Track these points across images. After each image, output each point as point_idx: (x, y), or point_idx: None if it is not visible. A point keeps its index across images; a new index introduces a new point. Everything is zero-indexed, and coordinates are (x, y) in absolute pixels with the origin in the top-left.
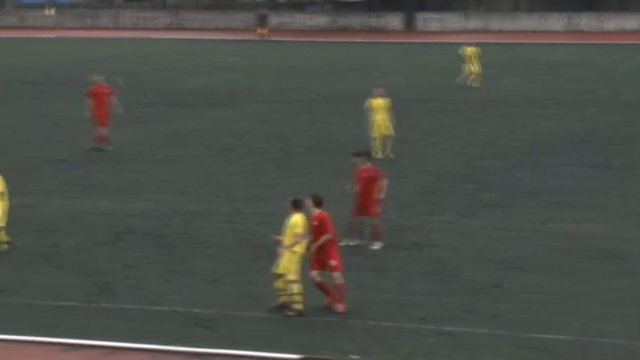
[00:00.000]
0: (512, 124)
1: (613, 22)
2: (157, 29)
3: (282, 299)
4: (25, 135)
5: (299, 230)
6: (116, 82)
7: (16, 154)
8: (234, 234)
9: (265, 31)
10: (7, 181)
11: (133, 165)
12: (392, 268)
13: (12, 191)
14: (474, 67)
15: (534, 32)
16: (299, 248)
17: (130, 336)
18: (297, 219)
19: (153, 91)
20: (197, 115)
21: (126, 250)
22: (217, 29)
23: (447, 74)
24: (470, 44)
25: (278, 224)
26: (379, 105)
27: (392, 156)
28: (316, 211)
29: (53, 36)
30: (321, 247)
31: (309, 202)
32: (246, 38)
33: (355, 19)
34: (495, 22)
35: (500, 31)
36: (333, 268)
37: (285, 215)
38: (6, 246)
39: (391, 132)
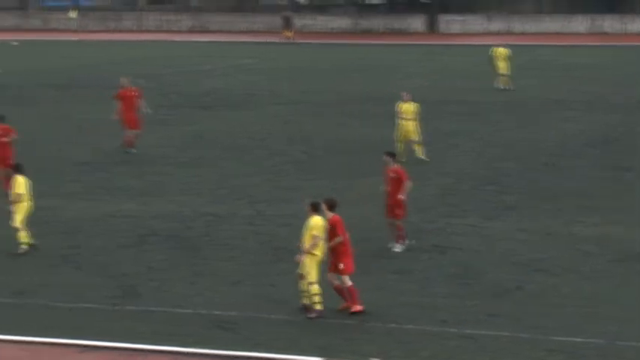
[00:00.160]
0: (534, 127)
1: (637, 24)
2: (180, 32)
3: (305, 301)
4: (49, 137)
5: (316, 232)
6: (139, 84)
7: (40, 156)
8: (255, 236)
9: (291, 33)
10: (31, 183)
11: (157, 167)
12: (414, 270)
13: (35, 193)
14: (504, 69)
15: (557, 34)
16: (318, 250)
17: (154, 338)
18: (315, 221)
19: (176, 94)
20: (219, 117)
21: (149, 253)
22: (240, 32)
23: (468, 76)
24: (500, 45)
25: (299, 226)
26: (408, 109)
27: (424, 158)
28: (329, 215)
29: (76, 39)
30: (333, 250)
31: (323, 206)
32: (271, 40)
33: (378, 21)
34: (518, 24)
35: (523, 33)
36: (341, 271)
37: (306, 217)
38: (25, 247)
39: (417, 137)
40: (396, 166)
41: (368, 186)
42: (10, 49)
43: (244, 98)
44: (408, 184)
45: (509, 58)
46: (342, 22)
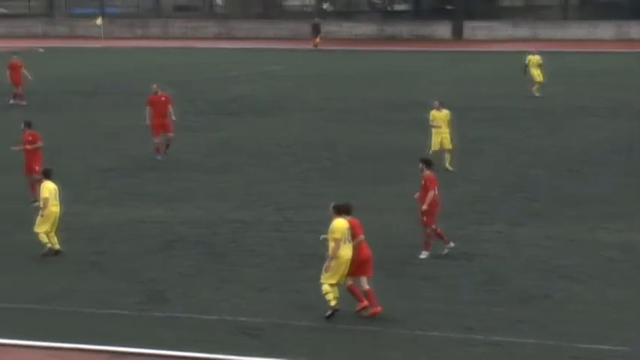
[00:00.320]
0: (561, 133)
1: None
2: (205, 38)
3: (333, 302)
4: (74, 144)
5: (338, 235)
6: (167, 90)
7: (66, 163)
8: (282, 242)
9: (317, 40)
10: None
11: (184, 173)
12: (440, 277)
13: (62, 200)
14: (537, 76)
15: (583, 41)
16: (342, 253)
17: (180, 344)
18: (336, 224)
19: (202, 100)
20: (246, 124)
21: (176, 259)
22: (266, 38)
23: (494, 83)
24: (532, 52)
25: (325, 233)
26: (440, 117)
27: (451, 168)
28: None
29: (102, 46)
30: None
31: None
32: (297, 47)
33: (402, 28)
34: (544, 31)
35: (549, 40)
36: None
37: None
38: (49, 246)
39: (450, 145)
40: (427, 174)
41: (393, 193)
42: (37, 56)
43: (271, 105)
44: (430, 194)
45: (540, 65)
46: (367, 29)
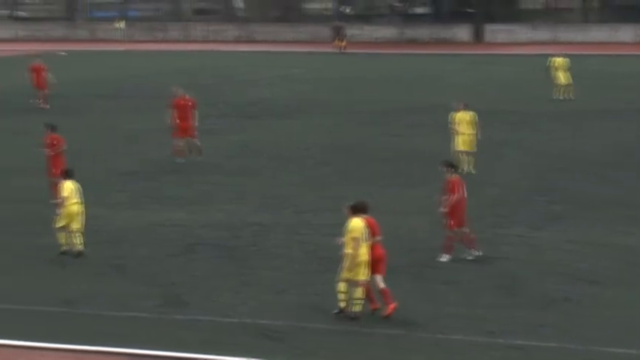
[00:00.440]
0: (582, 136)
1: None
2: (226, 42)
3: (342, 304)
4: (95, 147)
5: (357, 234)
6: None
7: (87, 166)
8: (301, 245)
9: (343, 43)
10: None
11: (204, 176)
12: (462, 280)
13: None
14: (564, 79)
15: (604, 44)
16: (361, 252)
17: (201, 347)
18: (354, 223)
19: (223, 103)
20: (265, 127)
21: (196, 262)
22: (286, 41)
23: (515, 86)
24: (558, 55)
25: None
26: (463, 119)
27: (473, 172)
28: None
29: (123, 49)
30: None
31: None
32: (316, 50)
33: (423, 31)
34: (564, 34)
35: (569, 43)
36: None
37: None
38: (66, 248)
39: (472, 148)
40: (451, 177)
41: (413, 195)
42: (59, 60)
43: (290, 108)
44: (451, 198)
45: (568, 68)
46: (387, 32)
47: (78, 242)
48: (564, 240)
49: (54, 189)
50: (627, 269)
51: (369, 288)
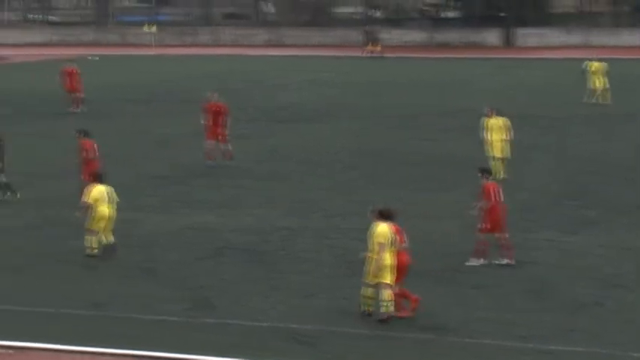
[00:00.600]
0: (613, 140)
1: None
2: (255, 46)
3: (369, 308)
4: (127, 152)
5: (382, 240)
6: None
7: (118, 170)
8: (329, 249)
9: (378, 47)
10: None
11: (234, 180)
12: (491, 285)
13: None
14: (600, 83)
15: (636, 47)
16: (386, 256)
17: (231, 351)
18: (380, 229)
19: (252, 108)
20: (294, 131)
21: (225, 265)
22: (315, 45)
23: (546, 90)
24: (595, 59)
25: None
26: (495, 124)
27: (505, 176)
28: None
29: (153, 53)
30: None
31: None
32: (345, 54)
33: (453, 35)
34: (596, 38)
35: (601, 47)
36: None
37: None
38: (91, 251)
39: (503, 154)
40: (485, 182)
41: (442, 200)
42: (89, 64)
43: (319, 112)
44: (482, 204)
45: (606, 73)
46: (416, 36)
47: (108, 238)
48: (595, 244)
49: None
50: None
51: (400, 298)
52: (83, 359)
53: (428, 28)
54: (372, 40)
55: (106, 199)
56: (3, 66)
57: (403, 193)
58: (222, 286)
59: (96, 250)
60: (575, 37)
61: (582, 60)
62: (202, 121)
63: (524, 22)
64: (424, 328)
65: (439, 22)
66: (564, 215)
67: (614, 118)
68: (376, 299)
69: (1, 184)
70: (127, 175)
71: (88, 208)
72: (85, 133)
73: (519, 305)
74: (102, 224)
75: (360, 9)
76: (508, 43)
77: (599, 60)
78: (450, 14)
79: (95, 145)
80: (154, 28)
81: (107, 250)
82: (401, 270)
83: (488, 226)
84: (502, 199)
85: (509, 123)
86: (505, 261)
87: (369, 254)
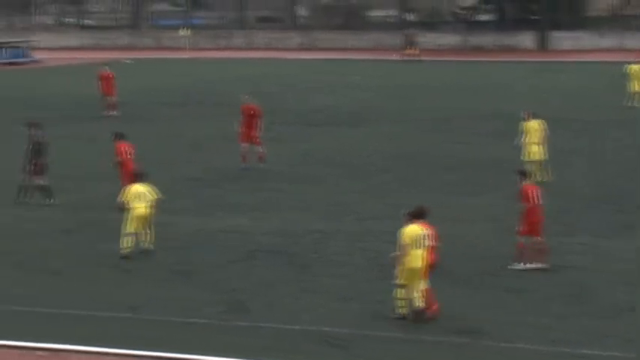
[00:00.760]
0: None
1: None
2: (288, 49)
3: (402, 310)
4: (162, 155)
5: (406, 241)
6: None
7: (153, 173)
8: (363, 253)
9: (416, 51)
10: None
11: (268, 184)
12: (526, 289)
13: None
14: (638, 87)
15: None
16: (411, 258)
17: (265, 353)
18: (406, 230)
19: (285, 111)
20: (328, 134)
21: (258, 268)
22: (349, 49)
23: (580, 93)
24: (635, 63)
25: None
26: (532, 128)
27: (544, 180)
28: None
29: (187, 57)
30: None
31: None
32: (379, 58)
33: (487, 38)
34: (631, 41)
35: (636, 50)
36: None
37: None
38: (125, 251)
39: (542, 157)
40: (522, 185)
41: (476, 203)
42: (125, 67)
43: (353, 116)
44: (520, 206)
45: None
46: (450, 39)
47: (147, 240)
48: (631, 248)
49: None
50: None
51: (430, 295)
52: None
53: (462, 32)
54: (410, 43)
55: (142, 198)
56: (38, 69)
57: (437, 197)
58: (255, 289)
59: (128, 250)
60: (608, 40)
61: (616, 64)
62: (235, 124)
63: (558, 26)
64: (458, 332)
65: (473, 26)
66: (599, 219)
67: None
68: (408, 300)
69: (44, 187)
70: (161, 178)
71: (124, 208)
72: (121, 136)
73: (554, 309)
74: (137, 224)
75: (394, 12)
76: (542, 46)
77: (638, 63)
78: (484, 17)
79: (130, 148)
80: (188, 32)
81: (143, 252)
82: (429, 267)
83: (527, 229)
84: (541, 201)
85: (544, 126)
86: (540, 265)
87: (397, 256)
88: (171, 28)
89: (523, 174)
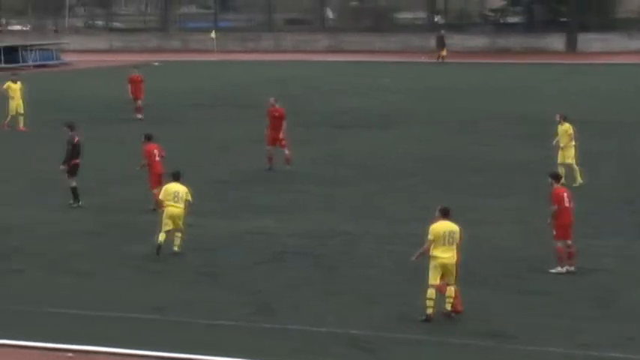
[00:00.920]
0: None
1: None
2: (316, 51)
3: (429, 310)
4: (190, 157)
5: (430, 237)
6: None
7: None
8: (390, 255)
9: (444, 52)
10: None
11: (294, 185)
12: (553, 292)
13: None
14: None
15: None
16: (437, 254)
17: (292, 356)
18: (433, 226)
19: (313, 113)
20: (355, 137)
21: (285, 270)
22: (376, 51)
23: (609, 96)
24: None
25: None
26: (561, 131)
27: (574, 184)
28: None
29: (215, 59)
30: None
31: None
32: (407, 60)
33: (515, 40)
34: None
35: None
36: None
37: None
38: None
39: (570, 160)
40: (554, 188)
41: (504, 206)
42: (153, 70)
43: (381, 118)
44: (552, 208)
45: None
46: (479, 41)
47: (176, 243)
48: None
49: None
50: None
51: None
52: None
53: (490, 34)
54: (442, 45)
55: (174, 198)
56: (67, 72)
57: (464, 199)
58: (281, 291)
59: (159, 243)
60: (637, 42)
61: None
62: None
63: (587, 28)
64: (485, 335)
65: (501, 28)
66: (628, 222)
67: None
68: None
69: (74, 189)
70: (189, 181)
71: (160, 205)
72: (149, 138)
73: (581, 312)
74: (168, 222)
75: (422, 14)
76: (571, 48)
77: None
78: (513, 19)
79: (159, 150)
80: (214, 34)
81: (171, 254)
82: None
83: (561, 232)
84: (572, 204)
85: (570, 130)
86: (568, 268)
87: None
88: (199, 31)
89: (555, 177)
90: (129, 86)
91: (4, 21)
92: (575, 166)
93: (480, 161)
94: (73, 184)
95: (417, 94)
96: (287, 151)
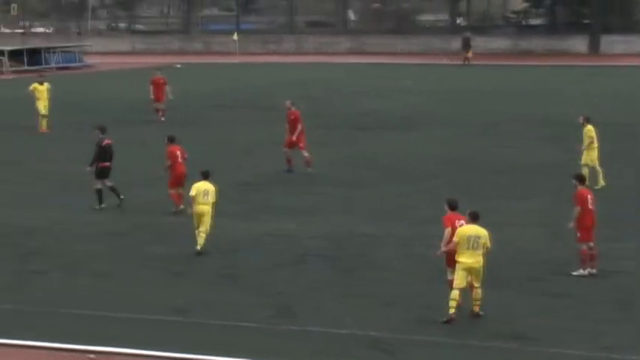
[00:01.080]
0: None
1: None
2: (338, 54)
3: (451, 310)
4: (212, 159)
5: (455, 239)
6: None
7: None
8: (411, 257)
9: (469, 54)
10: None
11: (315, 187)
12: (575, 294)
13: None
14: None
15: None
16: (463, 259)
17: (314, 358)
18: (459, 229)
19: (334, 115)
20: (377, 139)
21: (305, 272)
22: (398, 53)
23: (631, 98)
24: None
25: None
26: (585, 133)
27: (597, 187)
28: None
29: (237, 61)
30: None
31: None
32: (433, 62)
33: (537, 42)
34: None
35: None
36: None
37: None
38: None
39: (589, 162)
40: (578, 189)
41: (526, 208)
42: (175, 72)
43: (401, 120)
44: (575, 210)
45: None
46: (501, 43)
47: (200, 242)
48: None
49: (174, 198)
50: None
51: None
52: None
53: (513, 36)
54: (467, 47)
55: (202, 196)
56: (90, 74)
57: (486, 201)
58: (302, 293)
59: (199, 247)
60: None
61: None
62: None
63: (609, 30)
64: (506, 337)
65: (524, 30)
66: None
67: None
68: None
69: (99, 191)
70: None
71: (193, 202)
72: (172, 139)
73: (603, 315)
74: (195, 220)
75: (444, 16)
76: (593, 50)
77: None
78: (536, 21)
79: (182, 152)
80: (236, 36)
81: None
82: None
83: (584, 234)
84: (594, 206)
85: (591, 133)
86: (590, 271)
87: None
88: (221, 33)
89: (579, 178)
90: (151, 88)
91: (27, 23)
92: (598, 168)
93: (502, 163)
94: (99, 186)
95: (439, 96)
96: (306, 154)
